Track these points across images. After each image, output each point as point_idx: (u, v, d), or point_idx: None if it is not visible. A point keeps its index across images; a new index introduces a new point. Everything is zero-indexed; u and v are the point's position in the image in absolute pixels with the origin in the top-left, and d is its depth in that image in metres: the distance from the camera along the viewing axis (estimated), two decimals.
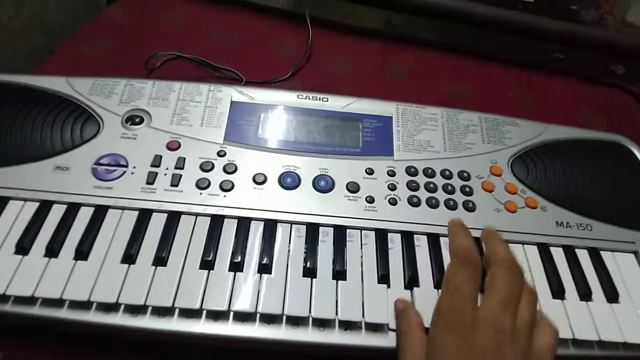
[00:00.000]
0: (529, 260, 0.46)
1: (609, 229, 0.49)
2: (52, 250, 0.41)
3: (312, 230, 0.46)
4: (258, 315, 0.40)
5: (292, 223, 0.46)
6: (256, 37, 0.76)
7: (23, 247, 0.41)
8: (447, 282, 0.39)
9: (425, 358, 0.36)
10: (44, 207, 0.44)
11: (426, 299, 0.40)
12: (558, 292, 0.44)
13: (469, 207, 0.48)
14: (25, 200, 0.45)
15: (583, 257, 0.47)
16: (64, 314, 0.39)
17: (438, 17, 0.77)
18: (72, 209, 0.44)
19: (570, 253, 0.47)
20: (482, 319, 0.36)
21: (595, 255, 0.47)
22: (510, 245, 0.46)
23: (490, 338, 0.35)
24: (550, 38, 0.76)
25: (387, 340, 0.40)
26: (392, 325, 0.40)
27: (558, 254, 0.47)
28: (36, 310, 0.39)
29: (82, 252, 0.41)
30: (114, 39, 0.72)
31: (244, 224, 0.45)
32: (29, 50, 0.73)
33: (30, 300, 0.39)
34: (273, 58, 0.73)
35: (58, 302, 0.39)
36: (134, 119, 0.51)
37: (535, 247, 0.47)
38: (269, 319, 0.40)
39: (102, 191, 0.45)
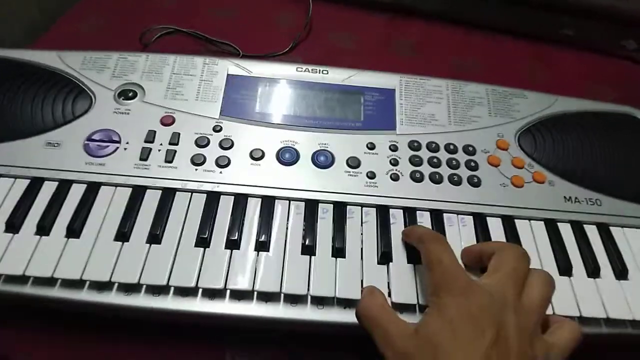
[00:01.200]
0: (536, 236, 0.44)
1: (619, 204, 0.47)
2: (44, 228, 0.40)
3: (311, 207, 0.44)
4: (255, 293, 0.39)
5: (290, 200, 0.45)
6: (255, 11, 0.74)
7: (13, 225, 0.40)
8: (428, 261, 0.37)
9: (419, 331, 0.33)
10: (35, 184, 0.43)
11: None
12: (565, 269, 0.42)
13: (474, 182, 0.46)
14: (15, 177, 0.43)
15: (592, 232, 0.45)
16: (56, 292, 0.38)
17: None
18: (64, 186, 0.43)
19: (578, 229, 0.45)
20: (479, 285, 0.34)
21: (604, 230, 0.46)
22: (516, 221, 0.45)
23: (489, 300, 0.32)
24: (559, 8, 0.73)
25: None
26: (396, 299, 0.39)
27: (566, 230, 0.45)
28: (28, 290, 0.38)
29: (74, 230, 0.40)
30: (109, 14, 0.70)
31: (240, 200, 0.44)
32: (25, 27, 0.71)
33: (22, 279, 0.38)
34: (272, 32, 0.71)
35: (50, 281, 0.38)
36: (126, 94, 0.49)
37: (542, 223, 0.45)
38: (267, 297, 0.39)
39: (95, 167, 0.44)
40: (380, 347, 0.34)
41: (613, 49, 0.74)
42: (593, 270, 0.42)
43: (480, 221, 0.44)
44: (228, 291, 0.39)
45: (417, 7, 0.76)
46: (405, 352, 0.32)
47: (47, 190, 0.43)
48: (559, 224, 0.46)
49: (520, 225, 0.45)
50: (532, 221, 0.45)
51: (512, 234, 0.44)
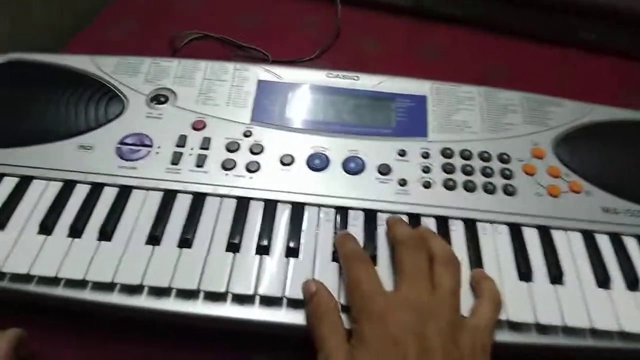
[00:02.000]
0: (573, 247, 0.43)
1: None
2: (76, 231, 0.41)
3: (342, 214, 0.44)
4: (285, 299, 0.39)
5: (320, 206, 0.44)
6: (282, 16, 0.74)
7: (47, 227, 0.41)
8: (347, 282, 0.38)
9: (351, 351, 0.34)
10: (68, 186, 0.43)
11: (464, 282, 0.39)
12: (603, 281, 0.41)
13: (509, 191, 0.45)
14: (49, 179, 0.44)
15: (631, 245, 0.44)
16: (87, 295, 0.38)
17: None
18: (96, 189, 0.43)
19: (617, 241, 0.44)
20: (395, 301, 0.35)
21: None
22: (552, 231, 0.44)
23: (407, 316, 0.34)
24: (582, 12, 0.72)
25: None
26: None
27: (604, 242, 0.44)
28: (59, 291, 0.39)
29: (105, 233, 0.40)
30: (139, 19, 0.71)
31: (270, 206, 0.44)
32: (57, 30, 0.72)
33: (54, 281, 0.39)
34: (300, 37, 0.71)
35: (81, 283, 0.39)
36: (158, 98, 0.49)
37: (579, 234, 0.44)
38: (296, 303, 0.39)
39: (127, 171, 0.44)
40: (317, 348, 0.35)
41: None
42: (632, 283, 0.41)
43: (515, 231, 0.43)
44: (257, 297, 0.39)
45: (441, 12, 0.76)
46: None
47: (80, 193, 0.43)
48: (596, 235, 0.44)
49: (557, 236, 0.44)
50: (568, 232, 0.44)
51: (548, 244, 0.43)
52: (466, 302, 0.38)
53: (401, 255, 0.38)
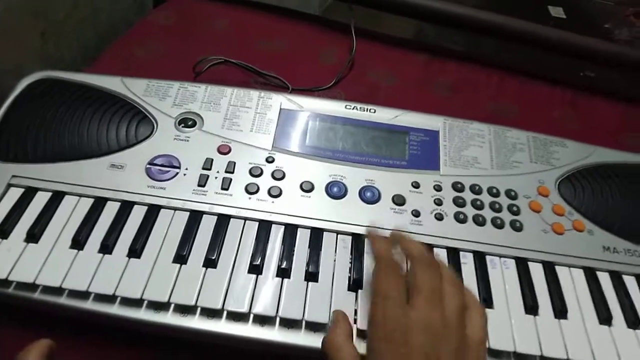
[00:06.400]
0: (576, 284, 0.46)
1: None
2: (107, 247, 0.42)
3: (358, 241, 0.46)
4: (304, 322, 0.41)
5: (338, 232, 0.46)
6: (299, 45, 0.77)
7: (78, 242, 0.43)
8: (375, 291, 0.38)
9: None
10: (99, 203, 0.45)
11: None
12: (605, 318, 0.43)
13: (516, 227, 0.48)
14: (80, 195, 0.46)
15: (630, 284, 0.46)
16: (116, 310, 0.40)
17: (470, 29, 0.77)
18: (126, 207, 0.45)
19: (617, 279, 0.47)
20: (414, 321, 0.36)
21: None
22: (556, 267, 0.46)
23: (424, 338, 0.35)
24: (581, 55, 0.76)
25: None
26: None
27: (605, 280, 0.46)
28: (89, 305, 0.40)
29: (135, 250, 0.42)
30: (161, 41, 0.73)
31: (290, 230, 0.46)
32: (81, 49, 0.75)
33: (84, 295, 0.40)
34: (316, 66, 0.74)
35: (110, 298, 0.40)
36: (186, 122, 0.52)
37: (581, 271, 0.47)
38: (314, 327, 0.41)
39: (156, 191, 0.46)
40: None
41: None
42: (633, 322, 0.43)
43: (522, 265, 0.46)
44: (278, 318, 0.41)
45: (453, 48, 0.79)
46: None
47: (110, 210, 0.45)
48: (598, 272, 0.47)
49: (561, 272, 0.46)
50: (572, 269, 0.47)
51: (552, 280, 0.45)
52: None
53: (417, 271, 0.39)
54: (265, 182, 0.49)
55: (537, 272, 0.46)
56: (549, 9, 1.14)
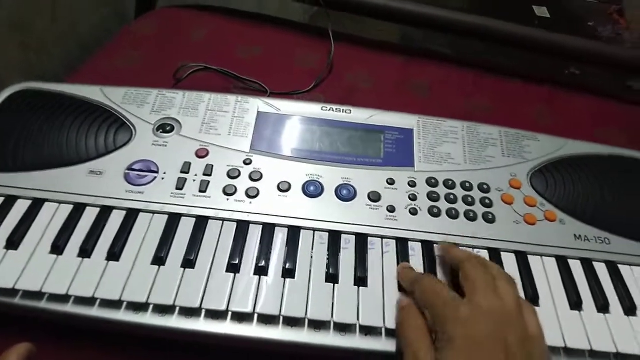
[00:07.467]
0: (548, 272, 0.47)
1: (627, 244, 0.49)
2: (86, 251, 0.43)
3: (335, 237, 0.47)
4: (281, 318, 0.42)
5: (315, 230, 0.47)
6: (278, 50, 0.79)
7: (58, 247, 0.43)
8: (423, 293, 0.40)
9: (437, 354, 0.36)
10: (78, 209, 0.46)
11: None
12: (576, 304, 0.44)
13: (489, 219, 0.49)
14: (60, 202, 0.47)
15: (601, 270, 0.48)
16: (95, 312, 0.41)
17: (454, 32, 0.79)
18: (105, 212, 0.46)
19: (588, 266, 0.48)
20: (477, 309, 0.37)
21: (613, 268, 0.48)
22: (529, 257, 0.47)
23: (491, 323, 0.36)
24: (566, 54, 0.77)
25: None
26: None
27: (576, 267, 0.48)
28: (69, 308, 0.41)
29: (114, 254, 0.43)
30: (142, 50, 0.75)
31: (268, 229, 0.47)
32: (62, 59, 0.76)
33: (64, 298, 0.41)
34: (295, 70, 0.75)
35: (90, 301, 0.41)
36: (165, 127, 0.53)
37: (553, 260, 0.48)
38: (292, 322, 0.42)
39: (134, 195, 0.47)
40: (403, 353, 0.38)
41: (620, 90, 0.77)
42: (602, 306, 0.45)
43: (495, 256, 0.47)
44: (256, 315, 0.42)
45: (430, 49, 0.81)
46: None
47: (90, 216, 0.46)
48: (569, 260, 0.48)
49: (533, 261, 0.47)
50: (544, 257, 0.48)
51: (525, 269, 0.46)
52: None
53: (469, 270, 0.40)
54: (242, 183, 0.49)
55: (510, 262, 0.47)
56: (534, 9, 1.17)
